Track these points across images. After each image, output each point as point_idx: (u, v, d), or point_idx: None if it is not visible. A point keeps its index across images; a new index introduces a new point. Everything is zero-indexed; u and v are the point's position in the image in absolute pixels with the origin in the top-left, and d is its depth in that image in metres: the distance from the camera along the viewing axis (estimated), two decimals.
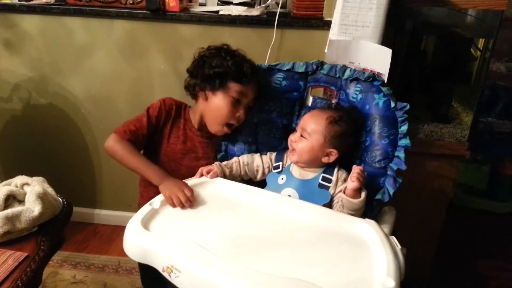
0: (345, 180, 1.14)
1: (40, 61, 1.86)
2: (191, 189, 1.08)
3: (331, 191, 1.14)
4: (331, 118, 1.15)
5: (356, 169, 1.07)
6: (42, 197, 1.02)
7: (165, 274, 0.86)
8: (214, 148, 1.33)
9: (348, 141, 1.18)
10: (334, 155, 1.15)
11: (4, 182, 1.09)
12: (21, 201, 1.04)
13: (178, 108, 1.33)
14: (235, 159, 1.26)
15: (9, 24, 1.79)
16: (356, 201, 1.06)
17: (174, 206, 1.04)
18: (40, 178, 1.11)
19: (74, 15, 1.76)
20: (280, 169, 1.22)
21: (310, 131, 1.15)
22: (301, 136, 1.17)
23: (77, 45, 1.82)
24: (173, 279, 0.85)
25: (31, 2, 1.77)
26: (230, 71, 1.22)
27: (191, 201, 1.05)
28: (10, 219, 0.96)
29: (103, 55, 1.82)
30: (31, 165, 2.04)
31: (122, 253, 0.94)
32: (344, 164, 1.19)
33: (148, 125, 1.27)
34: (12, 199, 1.03)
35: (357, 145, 1.21)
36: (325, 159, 1.16)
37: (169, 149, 1.31)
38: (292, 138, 1.19)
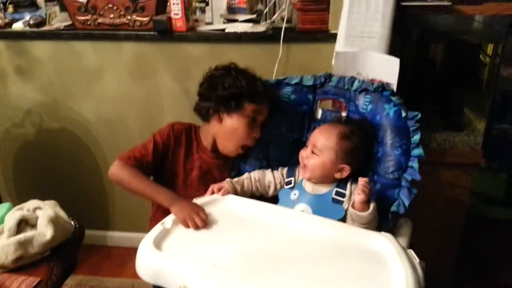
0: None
1: (51, 86, 1.89)
2: (204, 211, 1.06)
3: (345, 205, 1.12)
4: (342, 133, 1.14)
5: (361, 181, 1.05)
6: (54, 221, 1.02)
7: None
8: (229, 168, 1.31)
9: (360, 156, 1.16)
10: (346, 171, 1.13)
11: (17, 207, 1.10)
12: (33, 226, 1.04)
13: (188, 132, 1.31)
14: (246, 175, 1.25)
15: (20, 51, 1.83)
16: (364, 214, 1.04)
17: (188, 227, 1.02)
18: (52, 202, 1.11)
19: (83, 40, 1.78)
20: (292, 185, 1.20)
21: (321, 147, 1.14)
22: (312, 152, 1.15)
23: (87, 69, 1.84)
24: None
25: (41, 29, 1.81)
26: (244, 90, 1.20)
27: (206, 223, 1.03)
28: (23, 244, 0.96)
29: (113, 78, 1.84)
30: (45, 189, 2.05)
31: (136, 275, 0.93)
32: (357, 176, 1.17)
33: (154, 152, 1.24)
34: (24, 223, 1.03)
35: (370, 157, 1.19)
36: (337, 175, 1.14)
37: (188, 177, 1.29)
38: (304, 154, 1.18)
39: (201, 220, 1.03)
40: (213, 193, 1.17)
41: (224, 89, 1.21)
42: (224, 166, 1.30)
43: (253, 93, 1.21)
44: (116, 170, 1.20)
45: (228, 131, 1.23)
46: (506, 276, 1.89)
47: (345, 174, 1.14)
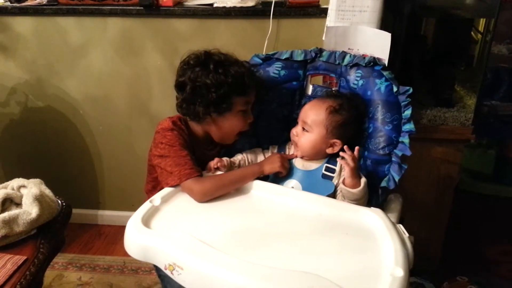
0: None
1: (35, 63, 1.84)
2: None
3: (334, 181, 1.12)
4: (331, 108, 1.12)
5: (341, 155, 1.06)
6: (39, 199, 1.00)
7: (168, 272, 0.84)
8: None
9: (351, 129, 1.15)
10: (338, 145, 1.13)
11: (0, 185, 1.07)
12: (18, 204, 1.02)
13: (185, 125, 1.19)
14: (239, 156, 1.22)
15: (2, 27, 1.77)
16: (355, 190, 1.04)
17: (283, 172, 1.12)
18: (37, 180, 1.09)
19: (67, 15, 1.74)
20: None
21: (311, 123, 1.12)
22: (303, 129, 1.14)
23: (71, 45, 1.79)
24: (175, 276, 0.83)
25: (23, 4, 1.75)
26: (232, 88, 1.11)
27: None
28: (8, 223, 0.95)
29: (98, 54, 1.80)
30: (32, 168, 2.03)
31: (127, 253, 0.92)
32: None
33: (188, 150, 1.13)
34: (9, 202, 1.02)
35: (361, 132, 1.18)
36: (329, 150, 1.14)
37: None
38: (294, 132, 1.16)
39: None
40: (210, 170, 1.14)
41: (210, 92, 1.10)
42: (218, 154, 1.26)
43: (242, 87, 1.13)
44: (199, 189, 1.04)
45: (224, 128, 1.19)
46: (494, 251, 1.93)
47: (336, 148, 1.13)
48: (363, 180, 1.05)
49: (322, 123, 1.11)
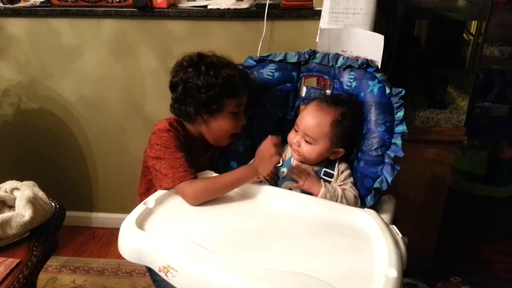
0: (342, 172, 1.14)
1: (28, 65, 1.83)
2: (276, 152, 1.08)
3: (332, 184, 1.13)
4: (335, 121, 1.11)
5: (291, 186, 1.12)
6: (33, 202, 0.99)
7: (162, 274, 0.84)
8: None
9: (353, 134, 1.16)
10: (341, 153, 1.14)
11: None
12: (11, 207, 1.01)
13: (182, 127, 1.20)
14: None
15: None
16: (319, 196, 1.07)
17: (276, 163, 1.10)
18: (30, 182, 1.08)
19: (60, 16, 1.73)
20: (280, 164, 1.19)
21: (315, 136, 1.11)
22: (305, 141, 1.13)
23: (65, 47, 1.79)
24: (170, 279, 0.83)
25: (15, 5, 1.74)
26: (222, 90, 1.12)
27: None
28: (0, 225, 0.94)
29: (92, 56, 1.80)
30: (25, 170, 2.01)
31: (121, 256, 0.92)
32: (346, 154, 1.18)
33: (183, 152, 1.13)
34: (2, 204, 1.01)
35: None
36: (332, 157, 1.15)
37: None
38: (294, 140, 1.15)
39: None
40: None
41: (199, 92, 1.12)
42: (213, 157, 1.27)
43: (233, 89, 1.14)
44: (192, 193, 1.04)
45: (216, 130, 1.19)
46: (487, 251, 1.94)
47: (339, 155, 1.15)
48: (322, 190, 1.08)
49: (327, 136, 1.11)
